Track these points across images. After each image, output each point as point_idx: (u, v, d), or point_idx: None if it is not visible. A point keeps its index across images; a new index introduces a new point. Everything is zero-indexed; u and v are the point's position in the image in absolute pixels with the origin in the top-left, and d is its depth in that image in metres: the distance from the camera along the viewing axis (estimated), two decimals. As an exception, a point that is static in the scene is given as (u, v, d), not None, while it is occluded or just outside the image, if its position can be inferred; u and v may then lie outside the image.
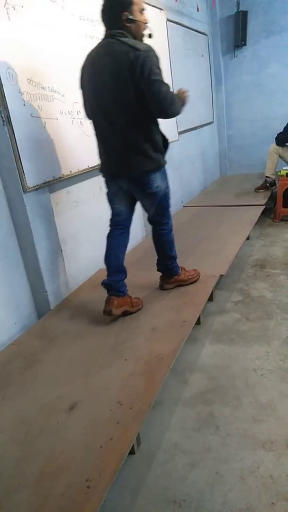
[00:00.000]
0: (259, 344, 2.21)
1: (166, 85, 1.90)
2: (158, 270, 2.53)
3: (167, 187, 2.26)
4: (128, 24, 1.93)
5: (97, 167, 2.78)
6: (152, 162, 2.09)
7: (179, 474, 1.51)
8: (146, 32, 2.03)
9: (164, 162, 2.17)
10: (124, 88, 1.91)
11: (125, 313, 2.26)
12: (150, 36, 2.05)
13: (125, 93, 1.92)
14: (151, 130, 2.05)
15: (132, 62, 1.85)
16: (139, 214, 3.68)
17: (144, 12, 2.00)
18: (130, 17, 1.91)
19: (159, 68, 1.90)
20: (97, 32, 2.71)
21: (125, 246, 2.36)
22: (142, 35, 2.01)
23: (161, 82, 1.88)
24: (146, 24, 2.01)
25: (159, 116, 2.01)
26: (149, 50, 1.89)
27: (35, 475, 1.32)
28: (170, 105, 1.90)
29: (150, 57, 1.87)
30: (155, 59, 1.90)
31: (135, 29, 1.96)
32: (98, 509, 1.19)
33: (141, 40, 2.00)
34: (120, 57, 1.88)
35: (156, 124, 2.09)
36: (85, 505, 1.19)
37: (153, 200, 2.23)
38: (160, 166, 2.14)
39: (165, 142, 2.16)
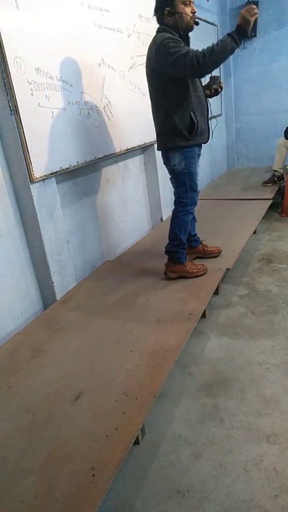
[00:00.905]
0: (265, 338, 2.21)
1: (184, 55, 2.03)
2: (165, 252, 2.63)
3: (186, 168, 2.39)
4: (169, 17, 2.19)
5: (104, 158, 2.79)
6: (170, 142, 2.34)
7: (183, 465, 1.52)
8: (192, 20, 2.20)
9: (183, 144, 2.32)
10: (150, 77, 2.28)
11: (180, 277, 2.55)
12: (196, 23, 2.24)
13: (150, 82, 2.29)
14: (170, 115, 2.27)
15: (152, 55, 2.16)
16: (145, 207, 3.67)
17: (191, 2, 2.17)
18: (168, 9, 2.15)
19: (173, 48, 2.06)
20: (106, 21, 2.69)
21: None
22: (188, 25, 2.20)
23: (177, 58, 2.05)
24: (193, 14, 2.19)
25: (200, 76, 2.23)
26: (162, 39, 2.10)
27: (41, 462, 1.34)
28: (204, 62, 2.03)
29: (161, 45, 2.09)
30: (167, 44, 2.07)
31: (179, 21, 2.17)
32: (103, 497, 1.20)
33: (187, 30, 2.22)
34: (148, 53, 2.22)
35: (178, 110, 2.25)
36: (90, 493, 1.21)
37: (172, 175, 2.49)
38: (177, 146, 2.33)
39: (191, 126, 2.28)
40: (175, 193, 2.54)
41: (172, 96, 2.23)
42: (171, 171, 2.46)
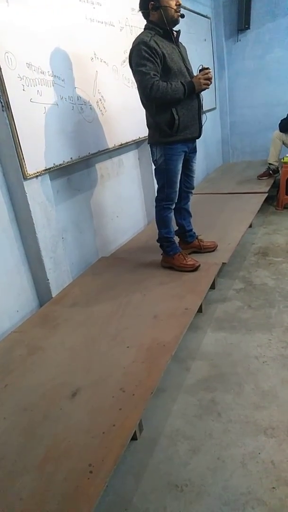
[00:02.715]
0: (261, 332, 2.21)
1: (146, 74, 2.12)
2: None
3: (165, 164, 2.41)
4: (154, 12, 2.20)
5: (98, 154, 2.77)
6: (152, 136, 2.43)
7: (181, 460, 1.53)
8: (176, 14, 2.20)
9: (164, 140, 2.35)
10: (132, 72, 2.28)
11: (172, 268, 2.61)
12: (182, 16, 2.24)
13: (134, 77, 2.27)
14: (154, 109, 2.30)
15: (130, 54, 2.22)
16: (140, 203, 3.66)
17: None
18: (153, 3, 2.17)
19: (144, 60, 2.13)
20: (97, 14, 2.66)
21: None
22: (172, 18, 2.21)
23: (140, 72, 2.14)
24: (178, 6, 2.19)
25: (142, 100, 2.31)
26: (138, 43, 2.15)
27: (38, 460, 1.34)
28: (150, 92, 2.14)
29: (135, 50, 2.16)
30: (140, 51, 2.13)
31: (164, 15, 2.18)
32: (101, 494, 1.20)
33: (172, 23, 2.23)
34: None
35: (159, 106, 2.25)
36: (87, 490, 1.21)
37: (154, 169, 2.54)
38: (158, 142, 2.38)
39: (172, 122, 2.28)
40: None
41: None
42: (154, 164, 2.52)
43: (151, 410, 1.75)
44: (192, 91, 2.23)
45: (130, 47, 2.22)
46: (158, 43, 2.16)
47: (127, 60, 2.30)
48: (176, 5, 2.18)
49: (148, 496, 1.41)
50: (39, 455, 1.36)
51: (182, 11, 2.25)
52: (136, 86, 2.25)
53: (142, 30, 2.29)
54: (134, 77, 2.24)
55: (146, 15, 2.28)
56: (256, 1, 5.04)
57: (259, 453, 1.51)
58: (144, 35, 2.19)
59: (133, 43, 2.20)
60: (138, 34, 2.24)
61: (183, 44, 2.43)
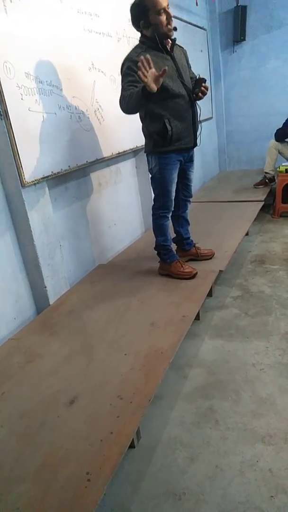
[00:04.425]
0: (259, 339, 2.22)
1: (125, 89, 2.17)
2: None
3: (159, 173, 2.44)
4: (147, 29, 2.24)
5: (95, 162, 2.79)
6: (148, 145, 2.47)
7: (179, 468, 1.52)
8: (167, 28, 2.21)
9: (158, 150, 2.38)
10: None
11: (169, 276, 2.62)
12: (174, 29, 2.25)
13: None
14: (146, 121, 2.37)
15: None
16: (138, 211, 3.68)
17: (165, 10, 2.17)
18: (143, 22, 2.21)
19: (127, 76, 2.18)
20: (95, 25, 2.70)
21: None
22: (164, 33, 2.22)
23: (123, 87, 2.20)
24: (169, 20, 2.19)
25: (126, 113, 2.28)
26: (125, 60, 2.23)
27: (36, 468, 1.33)
28: (121, 105, 2.21)
29: (124, 63, 2.24)
30: (126, 68, 2.19)
31: (156, 31, 2.21)
32: (98, 502, 1.20)
33: (164, 37, 2.25)
34: None
35: (153, 117, 2.31)
36: (85, 498, 1.20)
37: (150, 177, 2.56)
38: (152, 151, 2.42)
39: (164, 133, 2.30)
40: None
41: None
42: (150, 173, 2.55)
43: (148, 418, 1.74)
44: (146, 91, 2.02)
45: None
46: None
47: None
48: (166, 19, 2.18)
49: (146, 504, 1.40)
50: (36, 462, 1.35)
51: (176, 22, 2.25)
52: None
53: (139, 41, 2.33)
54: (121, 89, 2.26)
55: (139, 30, 2.31)
56: (252, 14, 5.13)
57: (257, 461, 1.50)
58: (133, 51, 2.24)
59: (126, 56, 2.25)
60: (134, 46, 2.29)
61: (183, 47, 2.48)
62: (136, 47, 2.29)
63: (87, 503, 1.18)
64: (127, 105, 2.17)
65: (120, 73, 2.29)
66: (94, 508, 1.17)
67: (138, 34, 2.34)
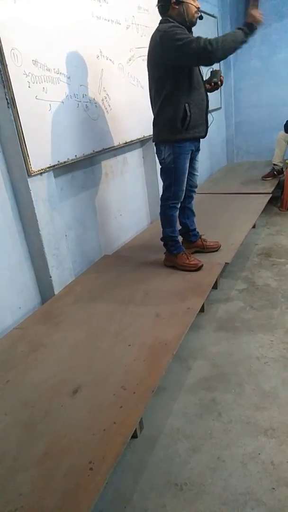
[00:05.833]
0: (263, 333, 2.21)
1: (195, 40, 2.04)
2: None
3: (173, 162, 2.40)
4: (176, 6, 2.16)
5: (102, 152, 2.77)
6: (161, 134, 2.39)
7: (181, 459, 1.53)
8: (196, 11, 2.20)
9: (173, 138, 2.33)
10: (152, 67, 2.26)
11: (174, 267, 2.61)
12: (200, 17, 2.24)
13: (151, 72, 2.29)
14: (164, 107, 2.29)
15: (157, 43, 2.13)
16: (144, 201, 3.66)
17: None
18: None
19: (181, 34, 2.06)
20: (104, 12, 2.66)
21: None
22: (193, 16, 2.20)
23: (186, 43, 2.04)
24: (198, 9, 2.19)
25: (209, 62, 2.13)
26: (167, 27, 2.11)
27: (39, 456, 1.34)
28: (212, 48, 2.02)
29: (166, 32, 2.09)
30: (173, 32, 2.07)
31: (185, 11, 2.16)
32: (101, 491, 1.21)
33: (192, 21, 2.21)
34: (151, 43, 2.20)
35: (173, 102, 2.26)
36: (88, 486, 1.21)
37: (161, 167, 2.51)
38: (167, 140, 2.36)
39: (184, 117, 2.27)
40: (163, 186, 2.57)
41: (170, 87, 2.22)
42: (161, 163, 2.50)
43: (151, 409, 1.75)
44: (253, 28, 2.13)
45: (150, 42, 2.20)
46: None
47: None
48: (196, 7, 2.19)
49: (147, 494, 1.41)
50: (39, 451, 1.36)
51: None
52: (189, 58, 2.11)
53: (148, 28, 2.28)
54: (176, 58, 2.11)
55: (163, 9, 2.22)
56: (264, 1, 5.00)
57: (259, 454, 1.51)
58: (166, 24, 2.14)
59: (159, 31, 2.13)
60: (156, 29, 2.18)
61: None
62: (165, 21, 2.18)
63: (89, 492, 1.19)
64: (231, 43, 2.07)
65: (154, 51, 2.17)
66: (96, 496, 1.18)
67: (147, 22, 2.30)
